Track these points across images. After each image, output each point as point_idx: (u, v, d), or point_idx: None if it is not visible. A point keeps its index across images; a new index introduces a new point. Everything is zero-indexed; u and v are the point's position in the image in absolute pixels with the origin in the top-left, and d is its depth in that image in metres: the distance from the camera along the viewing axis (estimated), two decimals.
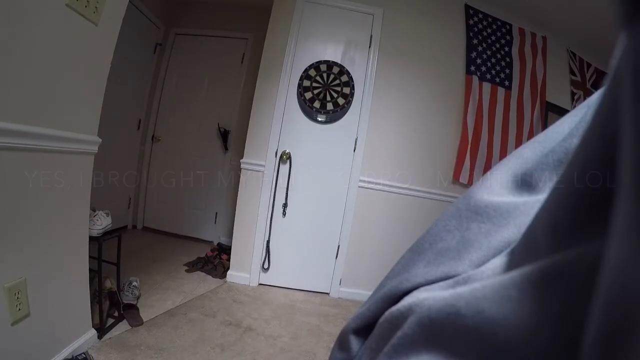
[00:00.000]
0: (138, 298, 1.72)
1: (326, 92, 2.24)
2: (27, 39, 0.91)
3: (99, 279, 1.44)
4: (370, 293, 0.22)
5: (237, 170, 2.34)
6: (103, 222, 1.43)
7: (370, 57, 2.28)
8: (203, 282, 2.17)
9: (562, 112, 2.66)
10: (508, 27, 2.53)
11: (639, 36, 0.08)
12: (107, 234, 1.46)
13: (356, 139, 2.28)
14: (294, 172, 2.24)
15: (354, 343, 0.21)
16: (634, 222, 0.07)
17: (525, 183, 0.18)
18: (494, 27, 2.50)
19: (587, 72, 2.87)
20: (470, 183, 2.37)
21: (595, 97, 0.16)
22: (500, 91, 2.49)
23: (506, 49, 2.51)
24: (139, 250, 2.51)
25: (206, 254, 2.58)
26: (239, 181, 2.28)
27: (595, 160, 0.11)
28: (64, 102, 1.08)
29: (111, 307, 1.56)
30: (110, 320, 1.50)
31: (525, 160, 0.19)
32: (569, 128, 0.18)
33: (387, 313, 0.18)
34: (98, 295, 1.43)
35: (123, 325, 1.51)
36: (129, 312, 1.56)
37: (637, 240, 0.07)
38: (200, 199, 3.09)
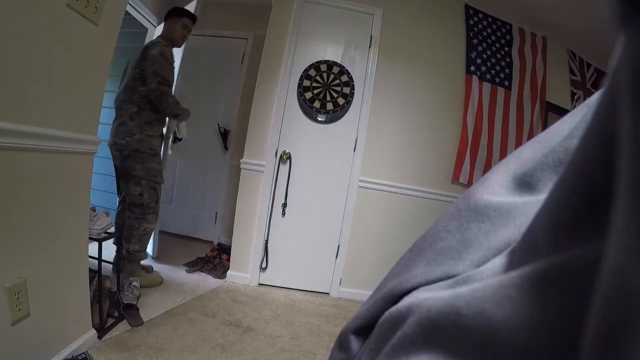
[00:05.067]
0: (138, 298, 1.72)
1: (326, 92, 2.24)
2: (27, 39, 0.91)
3: (99, 279, 1.44)
4: (370, 293, 0.22)
5: (237, 170, 2.34)
6: (103, 222, 1.43)
7: (370, 57, 2.28)
8: (203, 282, 2.17)
9: (562, 112, 2.66)
10: (508, 27, 2.53)
11: (638, 37, 0.08)
12: (107, 234, 1.46)
13: (356, 139, 2.28)
14: (293, 172, 2.24)
15: (354, 343, 0.21)
16: (632, 222, 0.07)
17: (525, 183, 0.18)
18: (494, 27, 2.50)
19: (587, 72, 2.87)
20: (470, 183, 2.37)
21: (595, 98, 0.16)
22: (500, 91, 2.49)
23: (506, 49, 2.51)
24: None
25: (206, 254, 2.58)
26: (239, 181, 2.28)
27: (595, 161, 0.11)
28: (64, 102, 1.08)
29: (111, 307, 1.56)
30: (110, 320, 1.50)
31: (525, 160, 0.19)
32: (569, 128, 0.18)
33: (386, 313, 0.18)
34: (98, 295, 1.43)
35: (123, 325, 1.51)
36: (129, 312, 1.56)
37: (636, 240, 0.07)
38: (200, 199, 3.09)
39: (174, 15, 1.98)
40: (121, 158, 1.81)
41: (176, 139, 2.21)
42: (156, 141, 1.92)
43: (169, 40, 1.92)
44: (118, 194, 2.05)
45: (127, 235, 1.85)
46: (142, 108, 1.83)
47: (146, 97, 1.83)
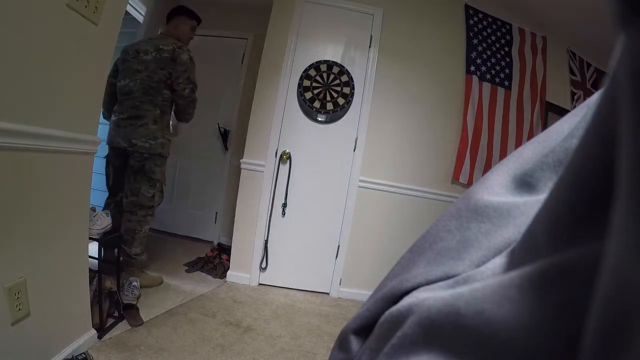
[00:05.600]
0: (138, 298, 1.72)
1: (326, 92, 2.24)
2: (27, 39, 0.91)
3: (98, 279, 1.44)
4: (370, 293, 0.22)
5: (237, 170, 2.34)
6: (103, 222, 1.43)
7: (370, 57, 2.28)
8: (203, 282, 2.17)
9: (562, 112, 2.66)
10: (508, 27, 2.53)
11: (638, 37, 0.08)
12: (107, 234, 1.46)
13: (356, 139, 2.28)
14: (293, 172, 2.24)
15: (354, 343, 0.21)
16: (632, 222, 0.07)
17: (525, 183, 0.18)
18: (494, 27, 2.50)
19: (587, 72, 2.87)
20: (470, 183, 2.37)
21: (595, 98, 0.16)
22: (500, 91, 2.49)
23: (506, 49, 2.51)
24: None
25: (206, 254, 2.58)
26: (239, 181, 2.28)
27: (595, 161, 0.11)
28: (63, 102, 1.08)
29: (111, 307, 1.56)
30: (110, 320, 1.50)
31: (525, 160, 0.19)
32: (569, 128, 0.18)
33: (386, 313, 0.18)
34: (98, 295, 1.43)
35: (123, 325, 1.51)
36: (129, 312, 1.56)
37: (635, 240, 0.07)
38: (200, 199, 3.09)
39: (184, 15, 1.94)
40: (140, 159, 1.78)
41: None
42: (170, 146, 1.93)
43: (180, 40, 1.88)
44: (111, 196, 1.97)
45: (128, 239, 1.82)
46: (164, 112, 1.83)
47: (168, 101, 1.82)
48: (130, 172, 1.83)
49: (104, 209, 1.96)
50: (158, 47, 1.78)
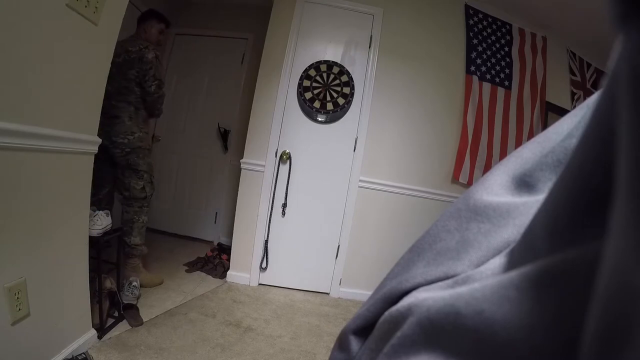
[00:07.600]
0: (138, 298, 1.72)
1: (326, 92, 2.24)
2: (27, 39, 0.91)
3: (98, 279, 1.44)
4: (370, 293, 0.22)
5: (237, 170, 2.34)
6: (103, 222, 1.43)
7: (370, 57, 2.28)
8: (203, 282, 2.17)
9: (562, 112, 2.66)
10: (508, 27, 2.53)
11: (637, 36, 0.08)
12: (107, 234, 1.46)
13: (356, 139, 2.28)
14: (293, 172, 2.24)
15: (354, 343, 0.21)
16: (631, 223, 0.07)
17: (524, 183, 0.18)
18: (494, 27, 2.50)
19: (587, 72, 2.87)
20: (469, 183, 2.37)
21: (595, 98, 0.16)
22: (500, 91, 2.49)
23: (506, 49, 2.51)
24: None
25: (206, 254, 2.58)
26: (239, 181, 2.28)
27: (593, 161, 0.11)
28: (63, 102, 1.08)
29: (111, 307, 1.56)
30: (110, 320, 1.50)
31: (524, 160, 0.19)
32: (569, 128, 0.18)
33: (386, 313, 0.18)
34: (98, 295, 1.43)
35: (123, 325, 1.51)
36: (129, 312, 1.56)
37: (634, 240, 0.07)
38: (200, 199, 3.09)
39: (153, 19, 2.01)
40: (123, 155, 1.85)
41: (153, 138, 2.24)
42: (149, 138, 2.01)
43: (148, 42, 1.95)
44: (95, 193, 1.90)
45: (127, 229, 1.89)
46: (138, 108, 1.91)
47: (141, 98, 1.90)
48: (119, 170, 1.92)
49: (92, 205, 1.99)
50: (127, 49, 1.85)
